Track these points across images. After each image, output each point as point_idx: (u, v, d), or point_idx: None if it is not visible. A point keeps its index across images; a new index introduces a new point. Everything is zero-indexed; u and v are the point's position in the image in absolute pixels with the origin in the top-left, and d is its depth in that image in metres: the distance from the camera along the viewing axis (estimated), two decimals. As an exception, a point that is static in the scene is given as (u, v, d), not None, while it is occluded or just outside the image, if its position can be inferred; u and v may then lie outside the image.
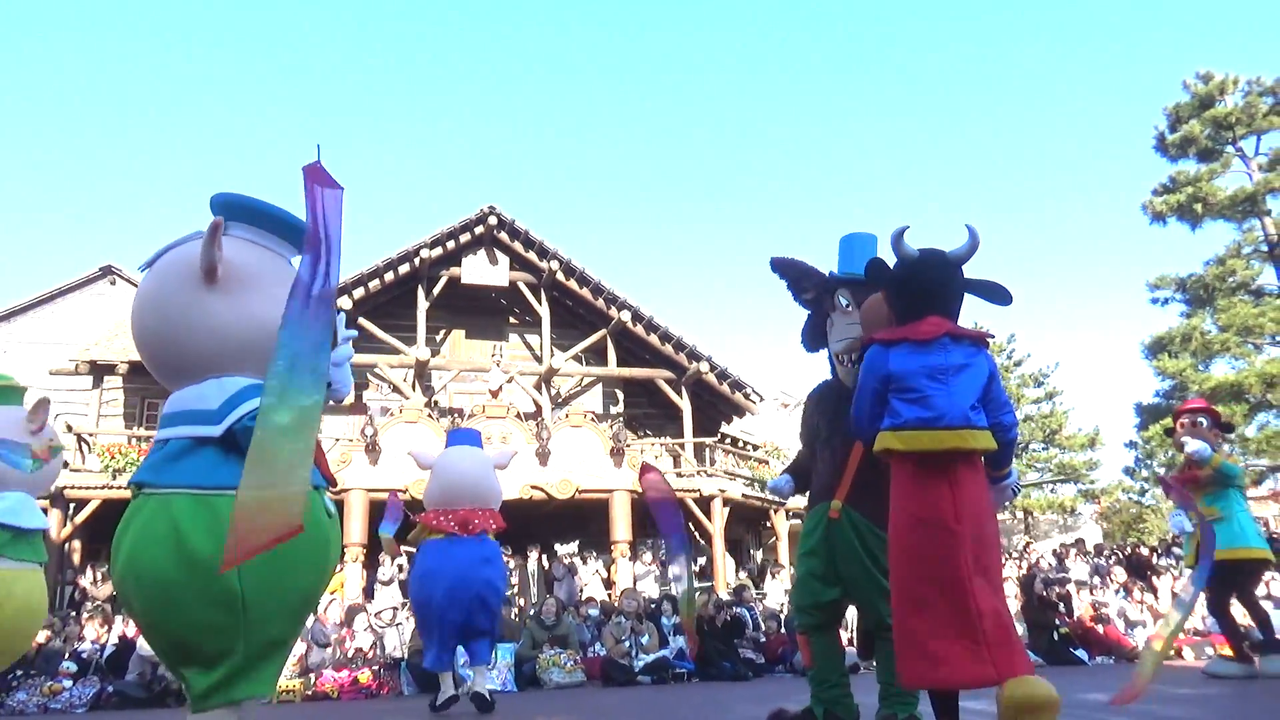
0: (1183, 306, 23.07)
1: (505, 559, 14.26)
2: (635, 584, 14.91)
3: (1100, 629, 11.01)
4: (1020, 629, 11.20)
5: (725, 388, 19.33)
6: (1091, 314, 73.74)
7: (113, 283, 21.23)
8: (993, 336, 3.52)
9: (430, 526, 6.17)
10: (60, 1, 74.25)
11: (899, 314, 3.05)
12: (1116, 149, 67.34)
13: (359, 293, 17.32)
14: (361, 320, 17.55)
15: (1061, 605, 11.27)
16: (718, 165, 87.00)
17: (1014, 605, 11.63)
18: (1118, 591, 12.26)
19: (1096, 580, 12.82)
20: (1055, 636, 10.73)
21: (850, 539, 3.27)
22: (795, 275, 3.55)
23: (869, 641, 3.65)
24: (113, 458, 14.48)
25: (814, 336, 3.60)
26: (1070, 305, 73.48)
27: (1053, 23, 75.97)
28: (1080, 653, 10.50)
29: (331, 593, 13.17)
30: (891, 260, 3.15)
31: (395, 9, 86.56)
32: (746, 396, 19.56)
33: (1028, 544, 22.40)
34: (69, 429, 16.36)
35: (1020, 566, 14.65)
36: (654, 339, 18.92)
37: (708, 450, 18.82)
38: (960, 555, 2.73)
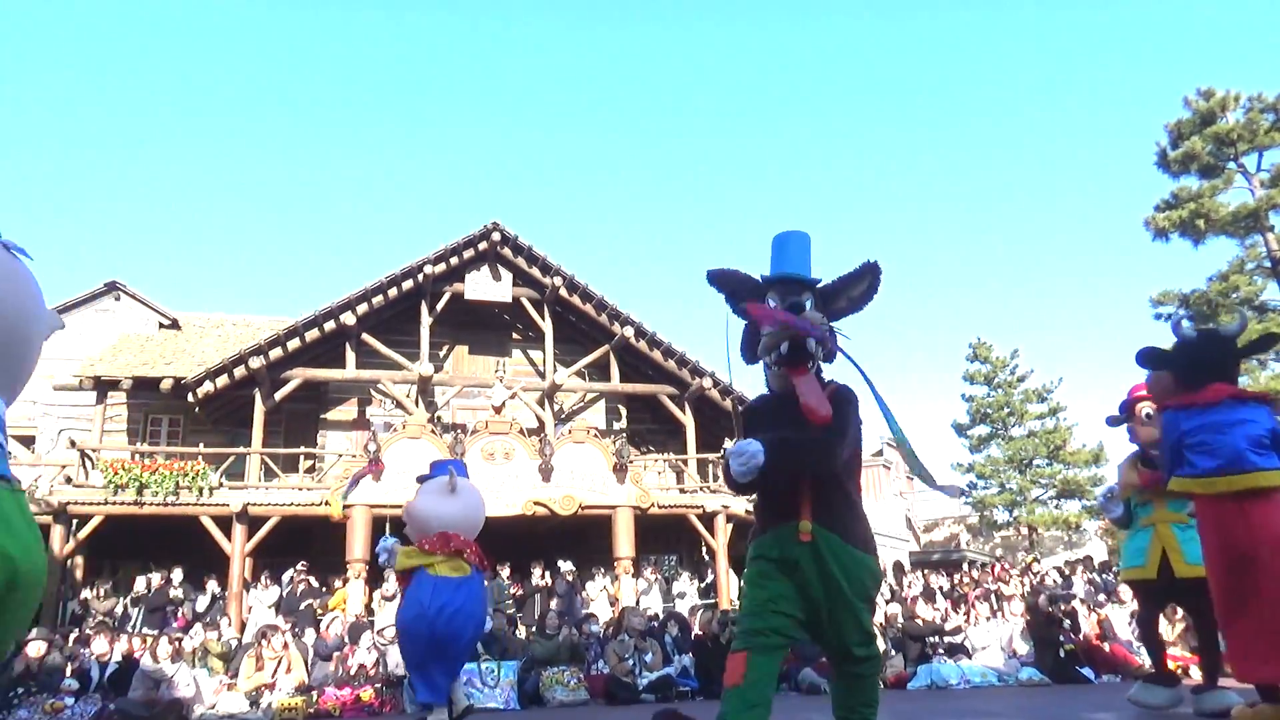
0: (1186, 322, 23.03)
1: (504, 577, 14.51)
2: (638, 601, 14.86)
3: (1106, 647, 10.94)
4: (1026, 647, 11.14)
5: (729, 404, 19.29)
6: (1095, 330, 73.74)
7: (117, 299, 21.28)
8: (1274, 400, 4.21)
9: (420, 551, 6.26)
10: (67, 17, 74.82)
11: (1185, 384, 4.06)
12: (1118, 165, 67.52)
13: (362, 308, 17.35)
14: (365, 336, 17.59)
15: (1067, 622, 11.21)
16: (721, 183, 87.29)
17: (1020, 623, 11.57)
18: (1132, 615, 12.12)
19: (1102, 597, 12.73)
20: (1061, 654, 10.67)
21: (827, 562, 3.02)
22: (732, 286, 3.33)
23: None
24: (115, 473, 14.47)
25: (751, 347, 3.36)
26: (1073, 321, 73.49)
27: (1053, 40, 76.31)
28: (1086, 671, 10.43)
29: (333, 609, 13.15)
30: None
31: (398, 26, 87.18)
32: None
33: (1032, 561, 22.33)
34: (72, 444, 16.40)
35: (1025, 583, 14.58)
36: (657, 355, 18.92)
37: (711, 466, 18.78)
38: (1261, 573, 3.67)
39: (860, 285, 3.21)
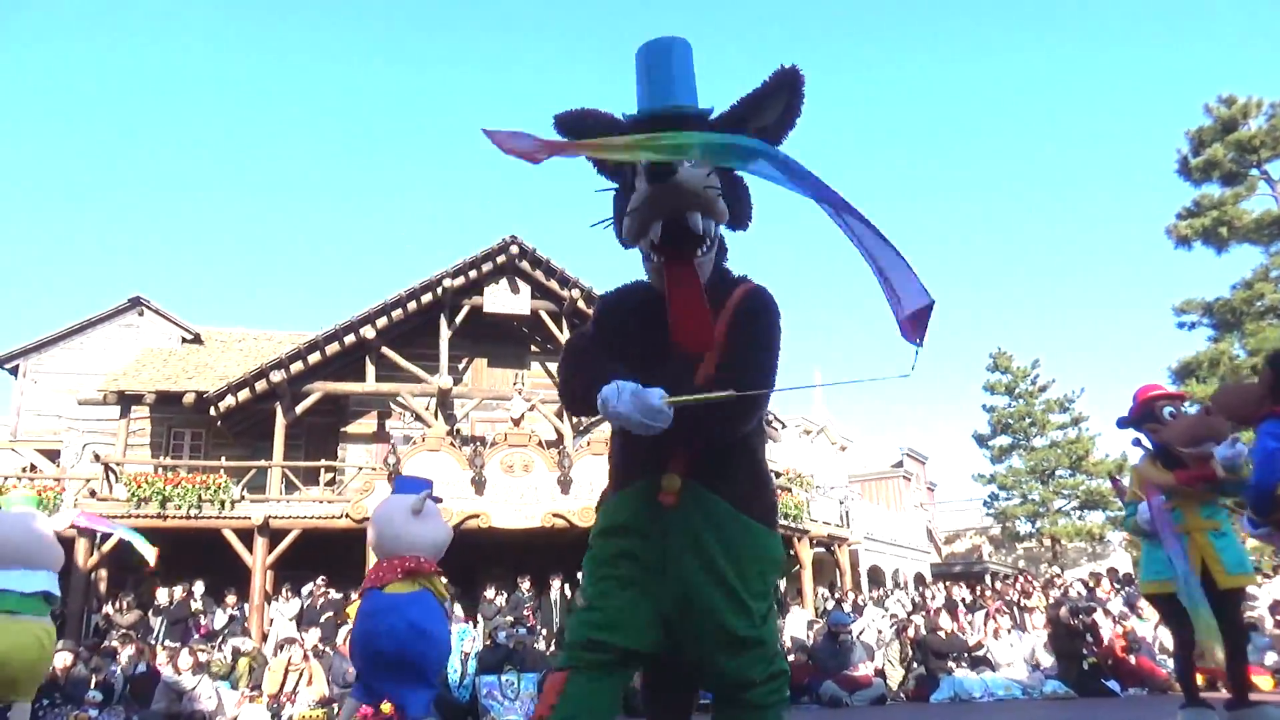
0: (1210, 331, 22.83)
1: (524, 590, 14.49)
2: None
3: (1132, 659, 10.80)
4: (1049, 659, 11.02)
5: (748, 414, 19.25)
6: (1117, 339, 73.15)
7: (141, 314, 21.53)
8: None
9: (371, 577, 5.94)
10: (89, 34, 76.00)
11: None
12: (1138, 173, 67.08)
13: (382, 322, 17.46)
14: (385, 349, 17.69)
15: (1089, 635, 11.08)
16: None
17: (1043, 635, 11.45)
18: (1157, 626, 11.97)
19: (1128, 609, 12.57)
20: (1085, 666, 10.54)
21: (702, 537, 2.08)
22: (587, 131, 2.25)
23: (682, 705, 2.50)
24: (139, 487, 14.61)
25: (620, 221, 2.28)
26: (1095, 330, 72.93)
27: (1071, 47, 76.02)
28: (1112, 684, 10.30)
29: (350, 619, 13.18)
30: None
31: (418, 44, 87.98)
32: (768, 424, 19.48)
33: (1055, 573, 22.09)
34: (97, 458, 16.57)
35: (1048, 596, 14.44)
36: (675, 366, 18.87)
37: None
38: None
39: (773, 107, 2.20)
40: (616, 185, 2.31)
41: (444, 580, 5.94)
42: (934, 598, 15.70)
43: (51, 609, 5.54)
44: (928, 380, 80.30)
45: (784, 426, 20.37)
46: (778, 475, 21.92)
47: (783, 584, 20.41)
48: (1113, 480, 6.15)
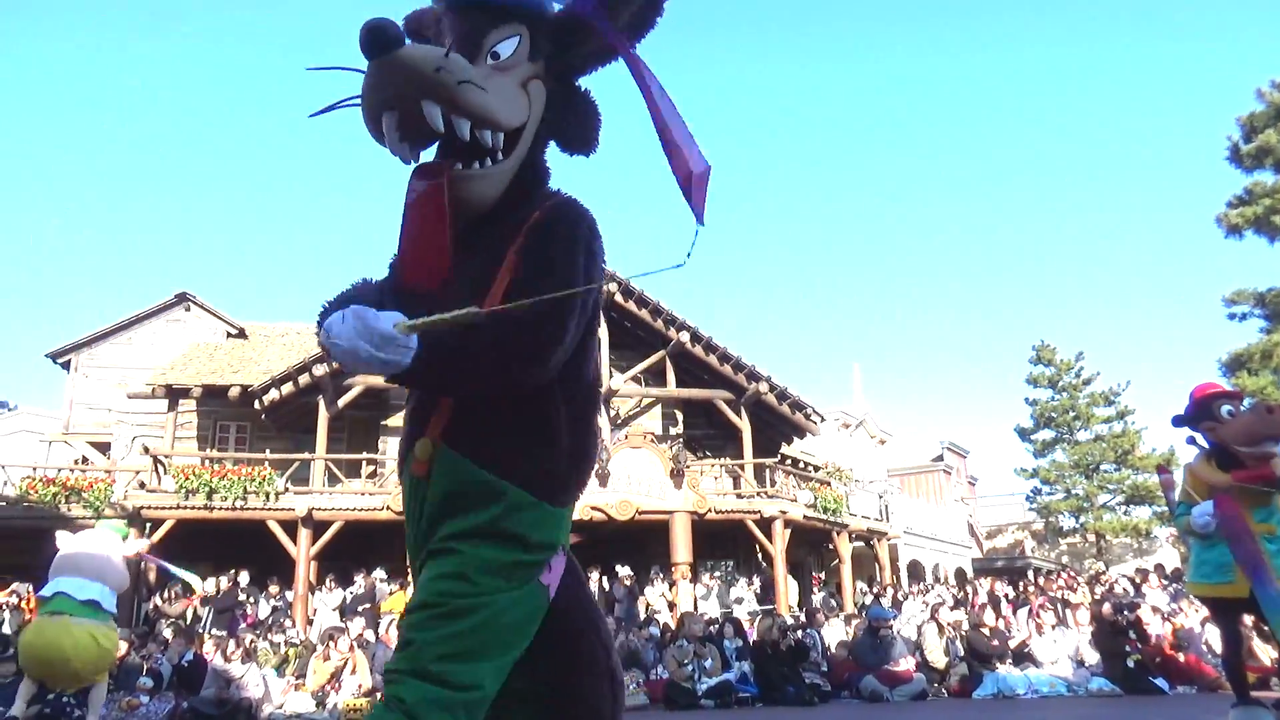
0: (1262, 322, 22.27)
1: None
2: (696, 606, 14.83)
3: (1181, 657, 10.60)
4: (1095, 656, 10.85)
5: (785, 408, 19.16)
6: (1164, 331, 71.69)
7: (188, 309, 21.93)
8: None
9: None
10: (141, 31, 77.48)
11: None
12: (1186, 160, 65.61)
13: (422, 316, 17.59)
14: (424, 343, 17.81)
15: (1134, 632, 10.88)
16: (775, 184, 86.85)
17: (1088, 632, 11.27)
18: (1204, 623, 11.73)
19: (1176, 606, 12.33)
20: (1130, 664, 10.36)
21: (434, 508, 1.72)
22: (424, 30, 1.91)
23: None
24: (186, 479, 14.91)
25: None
26: (1141, 322, 71.53)
27: (1117, 31, 74.48)
28: (1160, 681, 10.11)
29: (390, 611, 13.37)
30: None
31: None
32: (807, 417, 19.38)
33: (1100, 569, 21.74)
34: (145, 451, 16.93)
35: (1094, 592, 14.21)
36: (713, 359, 18.85)
37: (768, 471, 18.65)
38: None
39: (629, 3, 1.78)
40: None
41: None
42: (976, 593, 15.52)
43: (112, 616, 6.24)
44: (968, 373, 79.44)
45: (823, 420, 20.21)
46: (816, 469, 21.84)
47: (822, 578, 20.35)
48: (1160, 471, 5.92)
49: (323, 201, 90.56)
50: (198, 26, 78.71)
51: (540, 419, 1.71)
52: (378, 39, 1.57)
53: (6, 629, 11.12)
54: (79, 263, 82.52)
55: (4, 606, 11.93)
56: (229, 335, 21.66)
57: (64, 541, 6.38)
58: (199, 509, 14.77)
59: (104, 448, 19.64)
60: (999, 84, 79.22)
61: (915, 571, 21.91)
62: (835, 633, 12.78)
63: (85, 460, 18.94)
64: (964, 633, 11.56)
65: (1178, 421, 5.27)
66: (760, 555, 18.02)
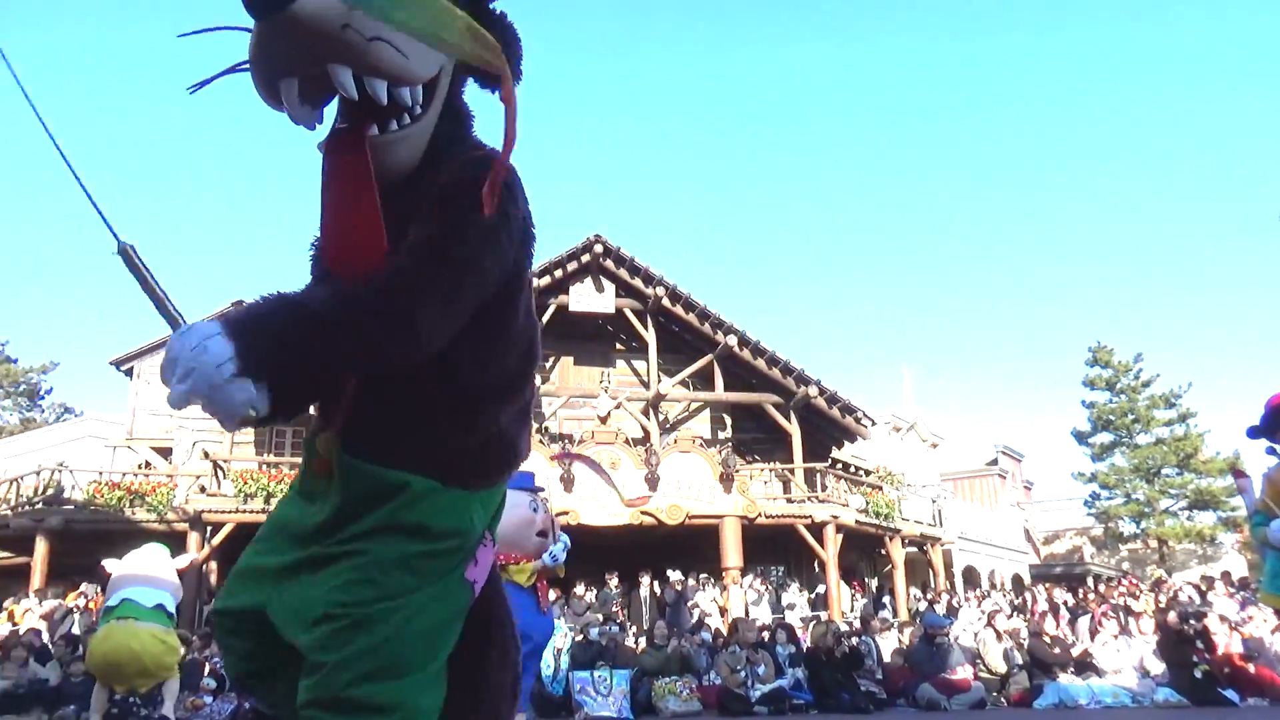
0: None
1: (612, 586, 14.61)
2: (747, 611, 14.75)
3: (1251, 667, 10.27)
4: (1160, 666, 10.56)
5: (835, 412, 19.01)
6: (1227, 332, 69.66)
7: (244, 317, 22.39)
8: None
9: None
10: (182, 47, 79.35)
11: None
12: (1250, 155, 63.70)
13: (471, 322, 17.78)
14: (474, 349, 18.00)
15: (1200, 641, 10.57)
16: (822, 182, 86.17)
17: (1152, 641, 10.98)
18: (1275, 631, 11.36)
19: (1245, 615, 11.96)
20: (1198, 674, 10.07)
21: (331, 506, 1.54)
22: None
23: None
24: (245, 483, 15.22)
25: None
26: (1204, 322, 69.57)
27: (1180, 25, 72.59)
28: (1229, 693, 9.81)
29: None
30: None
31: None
32: (857, 420, 19.19)
33: (1162, 576, 21.17)
34: (205, 455, 17.32)
35: (1157, 600, 13.84)
36: (761, 363, 18.77)
37: (818, 476, 18.50)
38: None
39: None
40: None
41: (528, 572, 6.05)
42: (1035, 600, 15.21)
43: (173, 621, 6.73)
44: (1023, 376, 77.99)
45: (873, 423, 19.99)
46: (868, 473, 21.61)
47: (873, 585, 20.10)
48: (1236, 474, 5.71)
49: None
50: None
51: (449, 400, 1.52)
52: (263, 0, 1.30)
53: (76, 629, 11.43)
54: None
55: (74, 608, 12.27)
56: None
57: (115, 565, 6.81)
58: (257, 512, 15.04)
59: (166, 453, 20.12)
60: (1054, 77, 77.75)
61: (970, 578, 21.55)
62: (890, 639, 12.62)
63: (148, 465, 19.42)
64: (1024, 640, 11.33)
65: (1253, 433, 5.10)
66: (812, 560, 17.87)
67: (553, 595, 12.19)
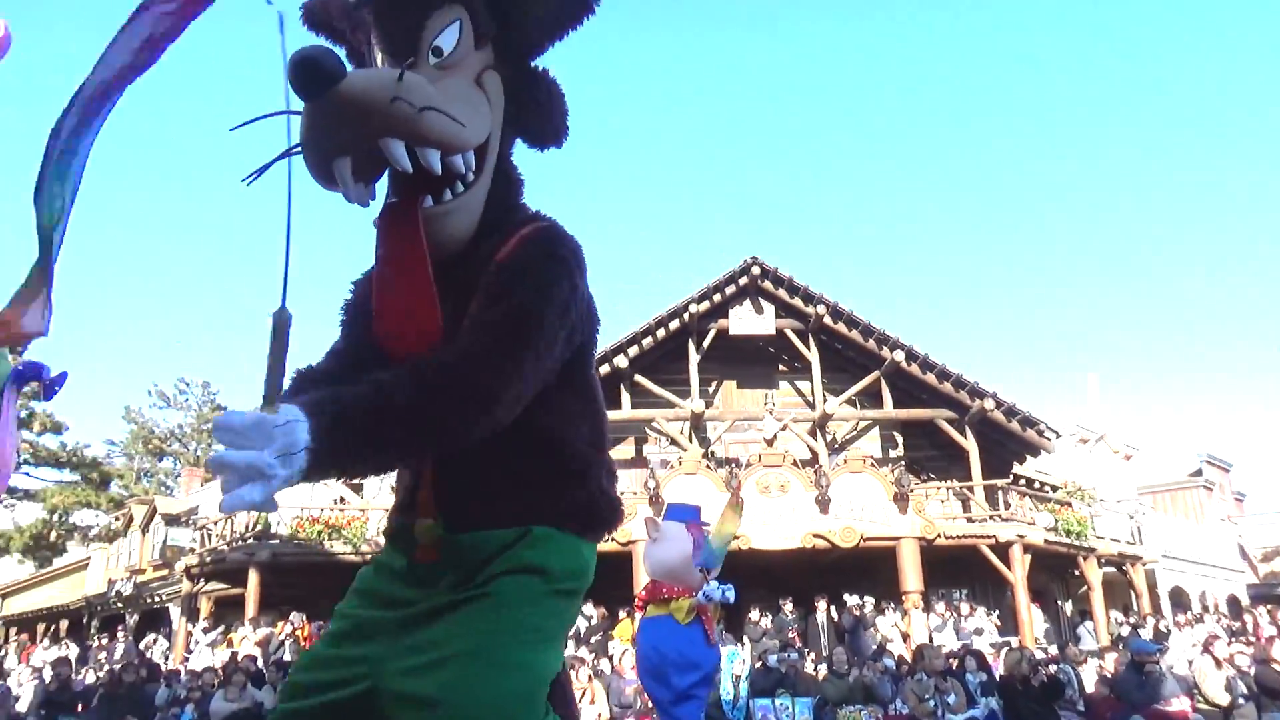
0: None
1: (787, 612, 14.35)
2: (930, 637, 14.15)
3: None
4: None
5: (1014, 425, 18.06)
6: None
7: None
8: None
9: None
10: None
11: None
12: None
13: (633, 350, 18.09)
14: (637, 377, 18.29)
15: None
16: (987, 186, 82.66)
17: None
18: None
19: None
20: None
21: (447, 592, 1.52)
22: (333, 22, 1.68)
23: None
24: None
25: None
26: None
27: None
28: None
29: (626, 641, 13.61)
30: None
31: (632, 81, 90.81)
32: (1040, 433, 18.15)
33: None
34: (394, 490, 18.31)
35: None
36: (931, 378, 18.11)
37: (1000, 493, 17.59)
38: None
39: None
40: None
41: (689, 602, 6.04)
42: (1257, 624, 13.83)
43: None
44: (1226, 379, 71.61)
45: (1058, 436, 18.83)
46: (1055, 489, 20.35)
47: (1068, 608, 18.85)
48: None
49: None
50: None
51: (554, 460, 1.55)
52: (315, 75, 1.29)
53: (287, 656, 12.28)
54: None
55: (286, 637, 13.20)
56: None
57: None
58: (436, 544, 15.72)
59: (357, 488, 21.41)
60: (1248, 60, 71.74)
61: (1178, 599, 19.86)
62: (1090, 668, 11.77)
63: (343, 500, 20.71)
64: (1248, 668, 10.31)
65: None
66: (998, 583, 16.96)
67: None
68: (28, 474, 28.14)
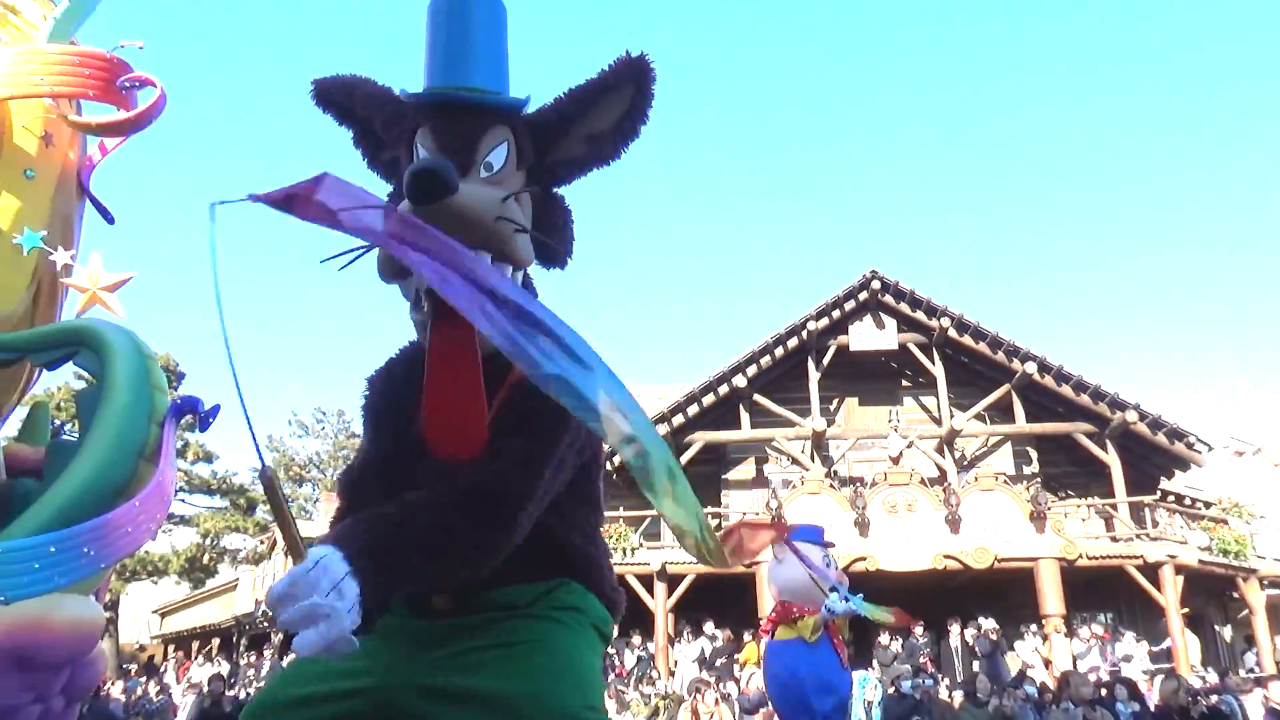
0: None
1: (918, 636, 13.88)
2: (1075, 664, 13.44)
3: None
4: None
5: (1161, 438, 17.02)
6: None
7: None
8: None
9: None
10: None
11: None
12: None
13: (752, 370, 17.99)
14: (756, 396, 18.18)
15: None
16: (1112, 186, 78.67)
17: None
18: None
19: None
20: None
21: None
22: (354, 107, 1.78)
23: None
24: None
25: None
26: None
27: None
28: None
29: (745, 663, 13.49)
30: None
31: (747, 96, 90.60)
32: (1189, 446, 17.04)
33: None
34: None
35: None
36: (1066, 390, 17.30)
37: (1147, 510, 16.60)
38: None
39: (614, 105, 1.66)
40: (391, 188, 1.77)
41: (814, 619, 5.96)
42: None
43: None
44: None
45: (1209, 448, 17.65)
46: (1207, 505, 19.05)
47: (1227, 633, 17.60)
48: None
49: (645, 266, 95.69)
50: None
51: (555, 552, 1.61)
52: (434, 187, 1.38)
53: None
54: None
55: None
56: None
57: None
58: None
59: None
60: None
61: (1360, 624, 18.24)
62: (1255, 698, 10.92)
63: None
64: None
65: None
66: (1146, 606, 15.98)
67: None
68: (183, 500, 30.02)
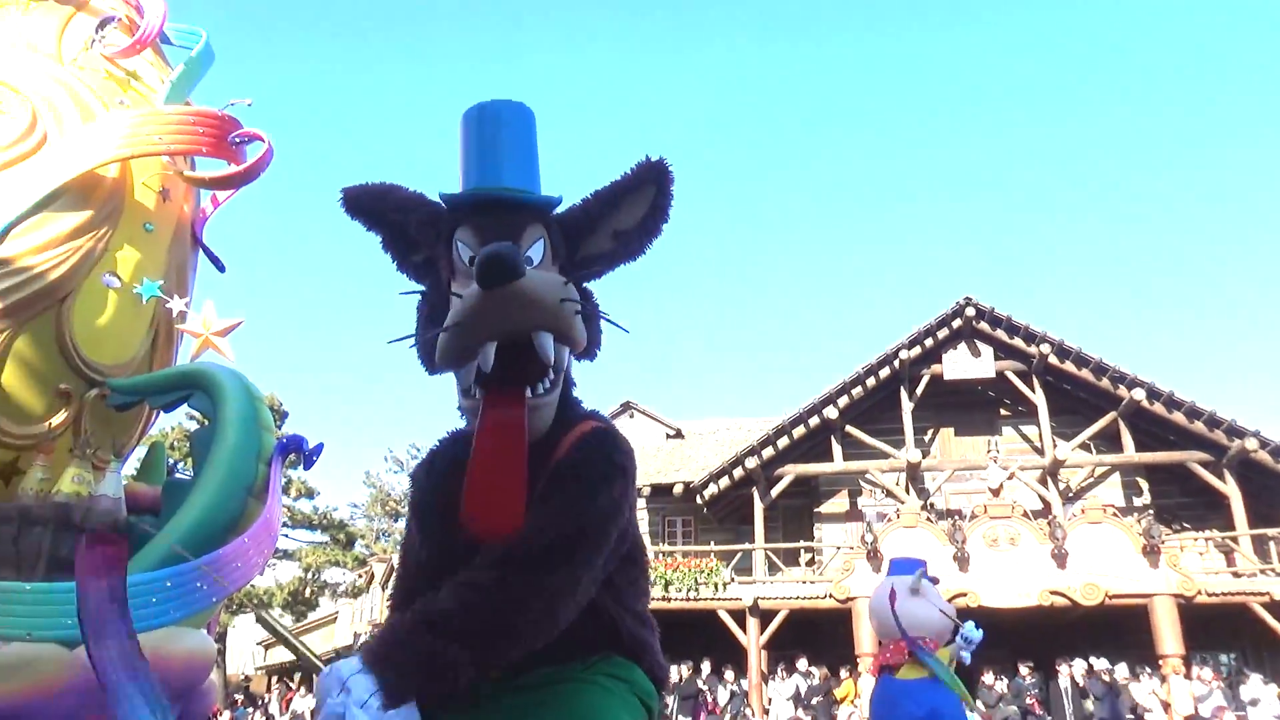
0: None
1: (1024, 675, 13.32)
2: (1197, 709, 12.67)
3: None
4: None
5: (1282, 466, 16.06)
6: None
7: (631, 416, 24.23)
8: None
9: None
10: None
11: None
12: None
13: (843, 401, 17.71)
14: (849, 428, 17.88)
15: None
16: (1220, 204, 74.97)
17: None
18: None
19: None
20: None
21: None
22: (385, 212, 1.84)
23: None
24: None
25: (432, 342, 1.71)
26: None
27: None
28: None
29: (843, 699, 13.16)
30: None
31: (837, 125, 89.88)
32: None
33: None
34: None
35: None
36: (1178, 417, 16.50)
37: (1271, 544, 15.62)
38: None
39: (638, 204, 1.75)
40: (424, 287, 1.79)
41: (948, 651, 5.76)
42: None
43: None
44: None
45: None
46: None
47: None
48: None
49: (737, 302, 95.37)
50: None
51: (606, 630, 1.58)
52: (502, 271, 1.41)
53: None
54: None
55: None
56: (667, 437, 23.50)
57: None
58: (657, 599, 15.88)
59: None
60: None
61: None
62: None
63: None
64: None
65: None
66: (1274, 647, 14.99)
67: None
68: (286, 535, 31.10)
